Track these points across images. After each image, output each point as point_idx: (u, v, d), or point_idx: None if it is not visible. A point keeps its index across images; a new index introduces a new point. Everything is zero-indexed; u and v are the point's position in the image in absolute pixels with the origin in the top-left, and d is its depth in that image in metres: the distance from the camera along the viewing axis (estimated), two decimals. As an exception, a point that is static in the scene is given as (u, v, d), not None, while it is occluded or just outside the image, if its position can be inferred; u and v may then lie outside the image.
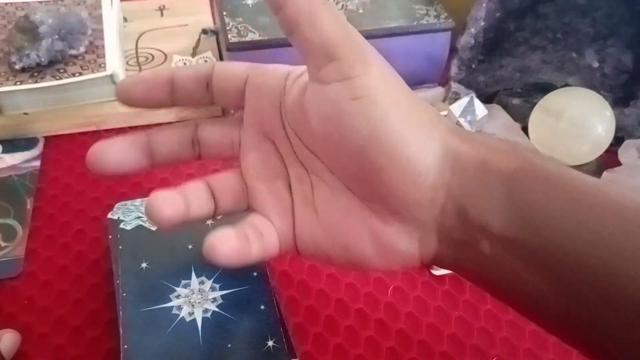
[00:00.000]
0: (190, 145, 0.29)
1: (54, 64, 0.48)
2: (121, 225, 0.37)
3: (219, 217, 0.29)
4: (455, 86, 0.50)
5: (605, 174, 0.44)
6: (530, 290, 0.24)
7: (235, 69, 0.28)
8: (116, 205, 0.39)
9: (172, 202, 0.26)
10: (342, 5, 0.51)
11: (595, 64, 0.50)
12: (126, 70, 0.52)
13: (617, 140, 0.45)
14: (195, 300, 0.33)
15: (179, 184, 0.44)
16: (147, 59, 0.54)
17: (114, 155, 0.28)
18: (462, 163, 0.24)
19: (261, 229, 0.27)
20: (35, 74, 0.47)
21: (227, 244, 0.25)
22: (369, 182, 0.24)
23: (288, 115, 0.27)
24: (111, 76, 0.47)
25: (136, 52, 0.54)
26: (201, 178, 0.29)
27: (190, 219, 0.27)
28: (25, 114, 0.47)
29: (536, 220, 0.23)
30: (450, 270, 0.27)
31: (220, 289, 0.34)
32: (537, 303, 0.24)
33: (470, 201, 0.24)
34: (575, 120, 0.43)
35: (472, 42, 0.49)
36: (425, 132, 0.24)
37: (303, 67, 0.27)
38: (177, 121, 0.49)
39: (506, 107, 0.49)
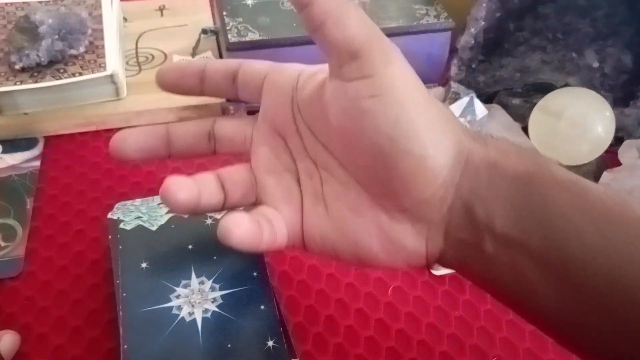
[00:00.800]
0: (206, 139, 0.31)
1: (54, 64, 0.48)
2: (121, 225, 0.37)
3: (223, 213, 0.29)
4: (455, 86, 0.50)
5: (605, 174, 0.44)
6: (533, 292, 0.24)
7: (259, 66, 0.30)
8: (116, 205, 0.39)
9: (187, 187, 0.27)
10: (342, 5, 0.51)
11: (595, 64, 0.50)
12: (126, 70, 0.52)
13: (617, 140, 0.45)
14: (195, 300, 0.33)
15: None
16: (147, 59, 0.54)
17: (135, 142, 0.30)
18: (473, 163, 0.24)
19: (271, 219, 0.28)
20: (35, 74, 0.47)
21: (242, 227, 0.26)
22: (383, 178, 0.25)
23: (302, 110, 0.28)
24: (111, 76, 0.47)
25: (136, 52, 0.54)
26: (211, 171, 0.29)
27: (201, 207, 0.28)
28: (25, 114, 0.47)
29: (543, 223, 0.23)
30: (454, 269, 0.27)
31: (220, 289, 0.34)
32: (540, 305, 0.24)
33: (478, 200, 0.24)
34: (575, 120, 0.43)
35: (472, 42, 0.49)
36: (441, 132, 0.24)
37: (317, 66, 0.28)
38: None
39: (506, 107, 0.49)
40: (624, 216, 0.23)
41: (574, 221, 0.23)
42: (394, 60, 0.24)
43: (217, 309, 0.33)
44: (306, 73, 0.28)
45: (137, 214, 0.38)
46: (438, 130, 0.24)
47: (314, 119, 0.28)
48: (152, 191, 0.43)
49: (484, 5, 0.48)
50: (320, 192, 0.28)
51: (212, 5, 0.59)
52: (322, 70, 0.27)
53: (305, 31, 0.25)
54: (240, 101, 0.31)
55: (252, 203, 0.29)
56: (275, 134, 0.29)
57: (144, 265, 0.35)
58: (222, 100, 0.49)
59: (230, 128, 0.31)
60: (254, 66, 0.30)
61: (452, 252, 0.26)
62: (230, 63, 0.30)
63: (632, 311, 0.22)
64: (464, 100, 0.43)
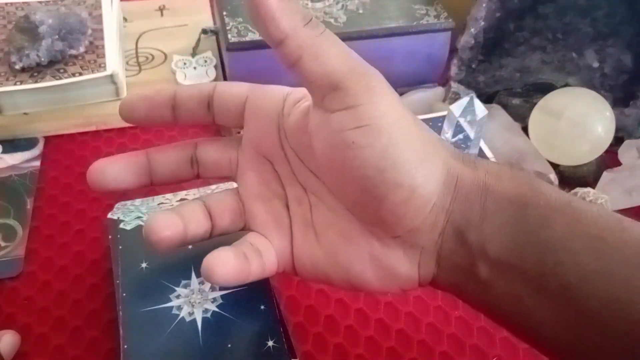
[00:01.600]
0: (189, 164, 0.30)
1: (54, 64, 0.48)
2: (121, 225, 0.37)
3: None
4: (455, 86, 0.50)
5: (605, 174, 0.44)
6: (530, 316, 0.24)
7: (236, 89, 0.29)
8: (116, 205, 0.39)
9: (171, 224, 0.27)
10: (342, 5, 0.51)
11: (595, 64, 0.50)
12: (126, 70, 0.52)
13: (617, 140, 0.45)
14: (195, 300, 0.33)
15: (179, 184, 0.44)
16: (147, 59, 0.54)
17: (113, 175, 0.29)
18: (463, 188, 0.24)
19: (259, 247, 0.27)
20: (35, 74, 0.47)
21: (226, 266, 0.26)
22: (372, 208, 0.24)
23: (289, 136, 0.27)
24: (111, 76, 0.47)
25: (136, 52, 0.54)
26: (198, 198, 0.29)
27: (188, 239, 0.28)
28: (25, 114, 0.47)
29: (539, 248, 0.23)
30: (449, 292, 0.27)
31: (220, 289, 0.34)
32: (537, 328, 0.24)
33: (470, 225, 0.24)
34: (575, 120, 0.43)
35: (472, 42, 0.49)
36: (429, 159, 0.24)
37: (301, 91, 0.27)
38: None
39: (506, 107, 0.49)
40: (620, 239, 0.23)
41: (570, 246, 0.23)
42: (377, 89, 0.23)
43: (217, 309, 0.33)
44: (291, 99, 0.27)
45: (137, 214, 0.38)
46: (426, 158, 0.24)
47: (301, 147, 0.27)
48: (152, 191, 0.43)
49: (484, 5, 0.48)
50: (310, 218, 0.27)
51: (212, 5, 0.59)
52: (306, 96, 0.26)
53: (283, 66, 0.24)
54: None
55: (241, 229, 0.29)
56: (262, 159, 0.29)
57: (144, 265, 0.35)
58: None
59: (214, 152, 0.30)
60: (231, 89, 0.29)
61: (445, 276, 0.25)
62: (203, 87, 0.29)
63: (631, 334, 0.22)
64: (464, 101, 0.42)
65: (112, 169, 0.29)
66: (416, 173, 0.23)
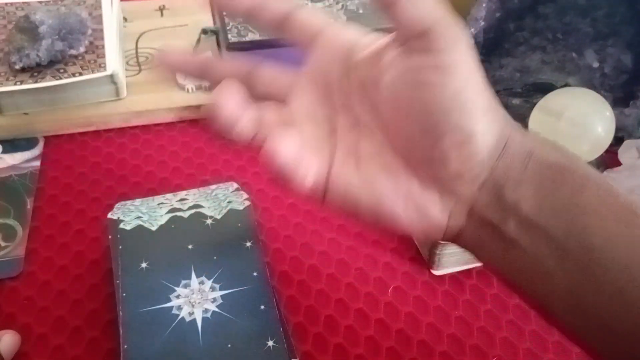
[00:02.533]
0: (246, 78, 0.30)
1: (54, 64, 0.48)
2: (121, 225, 0.37)
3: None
4: (455, 86, 0.50)
5: (605, 174, 0.44)
6: (548, 278, 0.25)
7: (317, 18, 0.30)
8: (116, 205, 0.39)
9: (234, 96, 0.27)
10: (342, 5, 0.51)
11: (595, 64, 0.50)
12: (126, 70, 0.52)
13: (617, 140, 0.45)
14: (195, 300, 0.33)
15: (179, 183, 0.44)
16: (147, 59, 0.54)
17: (177, 61, 0.31)
18: (511, 148, 0.26)
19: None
20: (35, 74, 0.47)
21: (289, 146, 0.26)
22: (425, 146, 0.25)
23: (358, 68, 0.28)
24: (111, 76, 0.47)
25: (136, 52, 0.54)
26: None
27: (238, 130, 0.27)
28: (25, 114, 0.47)
29: (570, 211, 0.24)
30: (469, 250, 0.28)
31: (220, 289, 0.34)
32: (552, 292, 0.25)
33: (509, 182, 0.25)
34: (575, 120, 0.43)
35: (472, 42, 0.49)
36: (493, 113, 0.26)
37: (376, 36, 0.28)
38: (177, 121, 0.49)
39: (506, 107, 0.48)
40: None
41: (600, 211, 0.24)
42: (461, 39, 0.25)
43: (217, 309, 0.33)
44: (369, 37, 0.29)
45: (137, 214, 0.38)
46: (490, 110, 0.25)
47: (366, 81, 0.28)
48: (152, 191, 0.43)
49: (484, 5, 0.48)
50: (356, 147, 0.28)
51: (212, 5, 0.59)
52: (381, 37, 0.28)
53: (379, 7, 0.25)
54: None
55: None
56: (320, 87, 0.30)
57: (144, 265, 0.35)
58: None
59: (272, 74, 0.31)
60: (313, 16, 0.30)
61: (472, 230, 0.26)
62: (290, 4, 0.30)
63: None
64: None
65: (174, 57, 0.30)
66: (479, 120, 0.25)
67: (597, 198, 0.24)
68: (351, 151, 0.28)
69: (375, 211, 0.27)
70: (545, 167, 0.25)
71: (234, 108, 0.27)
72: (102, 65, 0.48)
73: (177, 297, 0.33)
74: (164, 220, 0.37)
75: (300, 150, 0.26)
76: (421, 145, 0.26)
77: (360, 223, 0.29)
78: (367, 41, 0.29)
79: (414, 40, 0.25)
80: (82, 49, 0.49)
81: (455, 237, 0.27)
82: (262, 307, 0.33)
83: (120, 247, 0.36)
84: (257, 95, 0.30)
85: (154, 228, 0.37)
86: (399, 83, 0.26)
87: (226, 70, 0.31)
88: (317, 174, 0.28)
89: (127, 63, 0.53)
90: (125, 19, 0.58)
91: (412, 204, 0.27)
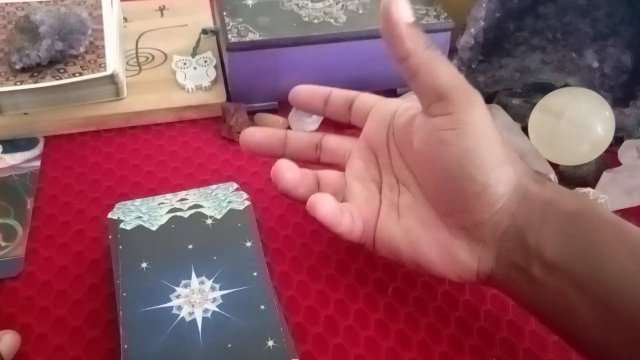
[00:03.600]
0: (314, 149, 0.37)
1: (54, 64, 0.48)
2: (121, 225, 0.37)
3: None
4: (455, 86, 0.49)
5: (605, 174, 0.44)
6: (577, 318, 0.27)
7: (370, 98, 0.37)
8: (116, 205, 0.39)
9: (293, 170, 0.33)
10: (342, 6, 0.51)
11: (595, 64, 0.50)
12: (126, 70, 0.52)
13: (617, 140, 0.45)
14: (195, 300, 0.33)
15: (179, 183, 0.44)
16: (147, 59, 0.54)
17: (260, 138, 0.37)
18: (529, 198, 0.28)
19: (352, 213, 0.33)
20: (35, 74, 0.47)
21: (327, 204, 0.31)
22: (449, 197, 0.29)
23: (395, 134, 0.34)
24: (111, 76, 0.47)
25: (136, 52, 0.54)
26: (310, 170, 0.35)
27: (300, 193, 0.34)
28: (25, 114, 0.47)
29: (589, 254, 0.27)
30: (503, 291, 0.31)
31: (220, 289, 0.34)
32: (582, 330, 0.27)
33: (531, 229, 0.28)
34: (575, 120, 0.43)
35: (472, 42, 0.49)
36: (504, 167, 0.28)
37: (410, 103, 0.33)
38: (177, 121, 0.49)
39: (506, 107, 0.49)
40: None
41: (615, 252, 0.26)
42: (474, 104, 0.28)
43: (217, 309, 0.33)
44: (404, 106, 0.34)
45: (137, 214, 0.38)
46: (501, 164, 0.28)
47: (403, 143, 0.33)
48: (152, 191, 0.43)
49: (483, 5, 0.48)
50: (397, 202, 0.33)
51: (212, 5, 0.59)
52: (415, 106, 0.32)
53: (404, 78, 0.30)
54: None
55: (340, 201, 0.34)
56: (370, 151, 0.35)
57: (144, 265, 0.35)
58: (222, 100, 0.49)
59: (336, 142, 0.37)
60: (368, 97, 0.37)
61: (502, 273, 0.29)
62: (350, 92, 0.37)
63: None
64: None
65: (259, 133, 0.37)
66: (490, 174, 0.28)
67: (611, 238, 0.27)
68: (393, 206, 0.33)
69: (414, 258, 0.31)
70: (563, 214, 0.28)
71: (293, 179, 0.33)
72: (102, 65, 0.48)
73: (177, 297, 0.33)
74: (164, 220, 0.37)
75: (337, 209, 0.31)
76: (446, 197, 0.30)
77: (403, 266, 0.33)
78: (404, 109, 0.34)
79: (434, 105, 0.29)
80: (82, 49, 0.49)
81: (488, 280, 0.30)
82: (262, 307, 0.33)
83: (120, 247, 0.36)
84: (324, 162, 0.37)
85: (154, 228, 0.37)
86: (423, 143, 0.30)
87: (300, 142, 0.37)
88: (361, 228, 0.32)
89: (127, 63, 0.53)
90: (125, 19, 0.58)
91: (444, 250, 0.30)
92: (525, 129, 0.47)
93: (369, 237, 0.33)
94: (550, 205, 0.28)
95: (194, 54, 0.54)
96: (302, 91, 0.38)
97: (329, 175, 0.35)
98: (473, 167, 0.28)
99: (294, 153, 0.37)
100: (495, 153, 0.28)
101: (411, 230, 0.31)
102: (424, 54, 0.29)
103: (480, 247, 0.29)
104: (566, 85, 0.50)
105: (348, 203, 0.34)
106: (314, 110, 0.38)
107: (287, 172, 0.33)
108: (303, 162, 0.36)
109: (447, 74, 0.29)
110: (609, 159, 0.46)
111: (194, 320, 0.32)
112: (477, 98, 0.29)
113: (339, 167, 0.37)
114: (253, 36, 0.47)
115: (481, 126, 0.28)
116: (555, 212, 0.28)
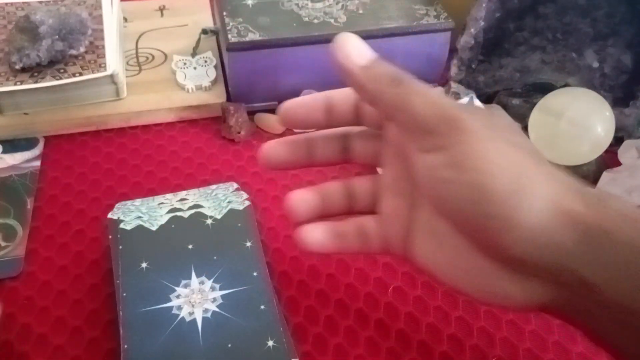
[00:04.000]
0: (341, 151, 0.32)
1: (54, 64, 0.48)
2: (121, 225, 0.37)
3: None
4: (455, 86, 0.50)
5: (605, 174, 0.44)
6: (630, 345, 0.25)
7: None
8: (116, 205, 0.39)
9: (304, 202, 0.30)
10: (342, 6, 0.51)
11: (595, 64, 0.50)
12: (126, 70, 0.52)
13: (617, 140, 0.45)
14: (195, 300, 0.33)
15: (179, 183, 0.44)
16: (147, 59, 0.54)
17: (284, 151, 0.32)
18: (578, 226, 0.24)
19: (367, 230, 0.30)
20: (35, 74, 0.47)
21: (313, 236, 0.30)
22: (474, 235, 0.25)
23: None
24: (111, 76, 0.47)
25: (136, 52, 0.54)
26: (341, 180, 0.32)
27: (325, 214, 0.31)
28: (25, 114, 0.47)
29: None
30: (563, 320, 0.28)
31: (220, 289, 0.34)
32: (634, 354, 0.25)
33: (584, 264, 0.24)
34: (575, 120, 0.43)
35: (472, 42, 0.49)
36: (524, 191, 0.24)
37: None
38: (177, 121, 0.49)
39: (506, 107, 0.49)
40: None
41: None
42: (465, 129, 0.24)
43: (217, 309, 0.33)
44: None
45: (137, 214, 0.38)
46: (519, 189, 0.23)
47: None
48: (152, 191, 0.43)
49: (483, 5, 0.48)
50: (436, 226, 0.28)
51: (212, 5, 0.59)
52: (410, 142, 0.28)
53: (384, 116, 0.28)
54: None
55: (372, 212, 0.31)
56: (401, 158, 0.30)
57: (144, 265, 0.35)
58: (222, 100, 0.49)
59: (367, 143, 0.32)
60: None
61: (557, 303, 0.26)
62: (354, 96, 0.31)
63: None
64: (464, 101, 0.43)
65: (280, 148, 0.32)
66: (506, 204, 0.23)
67: None
68: (425, 224, 0.29)
69: (451, 283, 0.28)
70: (623, 249, 0.23)
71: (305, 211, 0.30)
72: (102, 65, 0.48)
73: (177, 297, 0.33)
74: (164, 220, 0.37)
75: (327, 239, 0.30)
76: (471, 234, 0.25)
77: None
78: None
79: (421, 141, 0.25)
80: (82, 49, 0.49)
81: (543, 309, 0.27)
82: (262, 307, 0.33)
83: (120, 247, 0.36)
84: (357, 157, 0.32)
85: (154, 228, 0.37)
86: (424, 184, 0.26)
87: (327, 145, 0.32)
88: (380, 246, 0.30)
89: (127, 63, 0.53)
90: (125, 19, 0.58)
91: (482, 280, 0.26)
92: (525, 129, 0.47)
93: (398, 249, 0.30)
94: (607, 236, 0.23)
95: (194, 54, 0.54)
96: (293, 107, 0.31)
97: (364, 184, 0.32)
98: (485, 201, 0.23)
99: (322, 159, 0.32)
100: (505, 178, 0.24)
101: (448, 254, 0.27)
102: (389, 93, 0.25)
103: (524, 279, 0.25)
104: (566, 85, 0.50)
105: (365, 218, 0.31)
106: (315, 126, 0.31)
107: (299, 207, 0.30)
108: (334, 164, 0.33)
109: (423, 104, 0.25)
110: (609, 159, 0.46)
111: (194, 320, 0.32)
112: (469, 119, 0.25)
113: (374, 167, 0.33)
114: (253, 36, 0.47)
115: (480, 152, 0.24)
116: (614, 245, 0.24)
